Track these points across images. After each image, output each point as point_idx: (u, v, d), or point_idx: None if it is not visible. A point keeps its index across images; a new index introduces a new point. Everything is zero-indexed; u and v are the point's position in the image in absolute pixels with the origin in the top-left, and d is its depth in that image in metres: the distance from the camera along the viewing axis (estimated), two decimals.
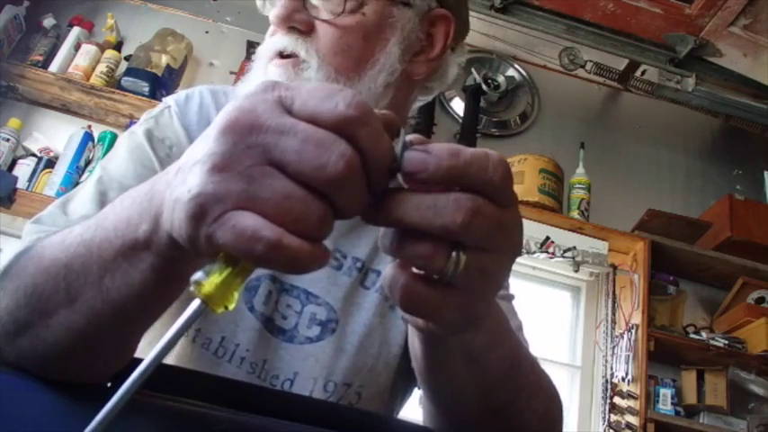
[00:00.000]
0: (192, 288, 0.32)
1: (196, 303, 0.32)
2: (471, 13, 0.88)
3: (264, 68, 0.72)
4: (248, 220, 0.30)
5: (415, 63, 0.75)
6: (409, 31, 0.73)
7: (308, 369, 0.70)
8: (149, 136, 0.72)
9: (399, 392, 0.78)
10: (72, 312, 0.42)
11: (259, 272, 0.71)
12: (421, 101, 0.83)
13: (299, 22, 0.70)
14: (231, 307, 0.32)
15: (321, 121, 0.31)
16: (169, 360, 0.69)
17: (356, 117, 0.31)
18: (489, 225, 0.34)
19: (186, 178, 0.32)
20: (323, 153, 0.30)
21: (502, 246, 0.36)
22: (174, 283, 0.41)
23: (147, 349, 0.73)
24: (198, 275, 0.32)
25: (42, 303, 0.43)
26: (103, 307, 0.41)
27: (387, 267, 0.37)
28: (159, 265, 0.38)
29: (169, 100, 0.77)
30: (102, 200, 0.65)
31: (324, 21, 0.70)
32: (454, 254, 0.34)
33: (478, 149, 0.34)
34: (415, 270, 0.36)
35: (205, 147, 0.32)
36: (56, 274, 0.42)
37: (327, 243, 0.33)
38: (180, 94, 0.78)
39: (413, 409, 0.82)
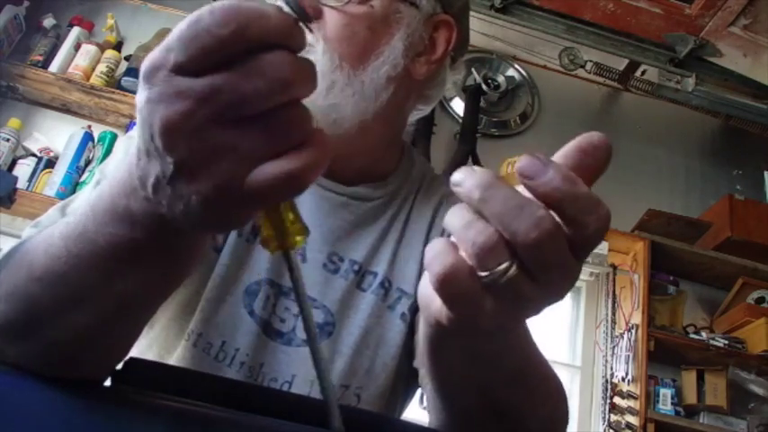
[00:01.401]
0: (270, 251, 0.35)
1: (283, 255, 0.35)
2: (471, 13, 0.89)
3: None
4: (269, 169, 0.32)
5: (417, 63, 0.76)
6: (413, 30, 0.74)
7: (305, 371, 0.70)
8: None
9: (401, 394, 0.78)
10: (79, 315, 0.42)
11: (260, 276, 0.71)
12: (420, 110, 0.84)
13: (308, 7, 0.70)
14: (307, 233, 0.35)
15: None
16: (170, 362, 0.69)
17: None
18: (553, 260, 0.33)
19: (176, 191, 0.33)
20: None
21: (552, 285, 0.35)
22: (180, 264, 0.41)
23: (147, 352, 0.73)
24: (264, 242, 0.34)
25: (41, 311, 0.43)
26: (112, 304, 0.41)
27: (437, 241, 0.36)
28: (164, 252, 0.39)
29: None
30: None
31: (331, 7, 0.71)
32: (507, 263, 0.33)
33: (594, 195, 0.34)
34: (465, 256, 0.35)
35: (157, 160, 0.33)
36: (49, 283, 0.42)
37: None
38: None
39: (413, 409, 0.83)
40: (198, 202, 0.32)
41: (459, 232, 0.34)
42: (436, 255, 0.35)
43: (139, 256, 0.39)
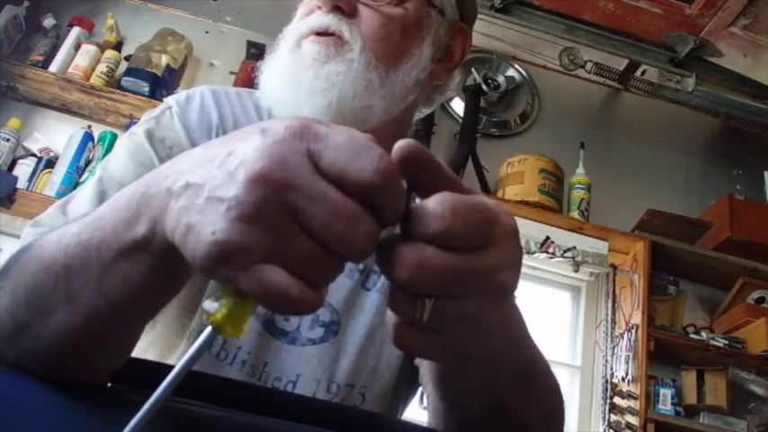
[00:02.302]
0: (204, 317, 0.33)
1: (208, 330, 0.33)
2: None
3: (294, 47, 0.72)
4: (276, 276, 0.31)
5: (438, 68, 0.78)
6: (440, 36, 0.76)
7: (310, 371, 0.70)
8: (150, 136, 0.71)
9: (403, 393, 0.78)
10: (71, 312, 0.42)
11: None
12: (422, 112, 0.85)
13: (346, 3, 0.71)
14: (241, 335, 0.34)
15: (348, 185, 0.32)
16: (170, 361, 0.69)
17: (382, 185, 0.32)
18: (441, 274, 0.34)
19: (205, 211, 0.32)
20: (350, 229, 0.32)
21: (477, 289, 0.36)
22: (173, 282, 0.41)
23: (148, 350, 0.73)
24: (210, 306, 0.33)
25: (42, 303, 0.43)
26: (104, 306, 0.41)
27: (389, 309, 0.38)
28: (158, 266, 0.38)
29: (170, 100, 0.76)
30: (102, 199, 0.65)
31: (369, 6, 0.72)
32: (419, 301, 0.35)
33: (436, 195, 0.35)
34: None
35: (230, 184, 0.32)
36: (55, 273, 0.42)
37: None
38: (181, 94, 0.77)
39: (413, 410, 0.83)
40: (210, 233, 0.32)
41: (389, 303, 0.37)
42: (387, 321, 0.38)
43: (131, 254, 0.38)
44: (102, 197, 0.66)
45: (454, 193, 0.35)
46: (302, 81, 0.69)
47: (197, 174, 0.34)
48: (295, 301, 0.32)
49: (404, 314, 0.36)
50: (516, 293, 0.79)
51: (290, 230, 0.32)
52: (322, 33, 0.70)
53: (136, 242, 0.38)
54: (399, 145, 0.35)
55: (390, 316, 0.37)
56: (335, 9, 0.71)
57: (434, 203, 0.34)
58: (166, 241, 0.36)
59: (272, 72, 0.73)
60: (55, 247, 0.43)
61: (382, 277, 0.75)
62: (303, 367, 0.70)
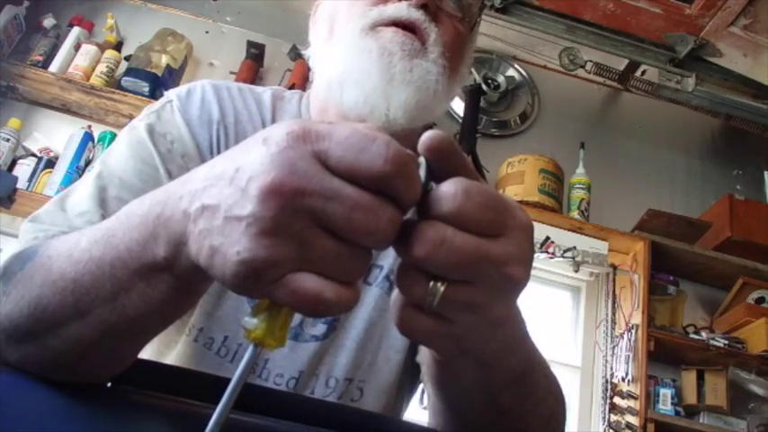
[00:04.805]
0: (244, 335, 0.34)
1: (251, 347, 0.34)
2: None
3: (369, 31, 0.70)
4: (308, 283, 0.32)
5: None
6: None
7: (312, 366, 0.70)
8: (150, 131, 0.70)
9: (405, 389, 0.78)
10: (82, 326, 0.42)
11: None
12: None
13: (438, 7, 0.72)
14: (284, 344, 0.35)
15: (360, 178, 0.32)
16: (170, 360, 0.69)
17: (394, 173, 0.32)
18: (459, 254, 0.34)
19: (226, 231, 0.32)
20: (372, 220, 0.32)
21: (488, 278, 0.35)
22: (192, 295, 0.42)
23: (147, 347, 0.73)
24: (249, 323, 0.34)
25: (48, 316, 0.43)
26: (118, 320, 0.41)
27: (395, 291, 0.38)
28: (181, 286, 0.39)
29: (170, 94, 0.75)
30: (102, 196, 0.64)
31: (450, 17, 0.74)
32: (431, 284, 0.35)
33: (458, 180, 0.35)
34: None
35: (244, 201, 0.32)
36: (63, 288, 0.42)
37: None
38: (182, 88, 0.76)
39: (413, 410, 0.83)
40: (235, 253, 0.32)
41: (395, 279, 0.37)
42: (392, 304, 0.38)
43: (151, 274, 0.38)
44: (102, 193, 0.64)
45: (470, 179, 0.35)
46: (396, 71, 0.68)
47: (210, 194, 0.34)
48: (332, 302, 0.32)
49: (413, 295, 0.35)
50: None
51: (312, 234, 0.32)
52: (404, 27, 0.69)
53: (156, 264, 0.38)
54: (427, 135, 0.35)
55: (396, 298, 0.37)
56: (425, 8, 0.70)
57: (448, 185, 0.35)
58: (191, 263, 0.36)
59: (344, 52, 0.70)
60: (64, 261, 0.43)
61: (383, 272, 0.75)
62: (306, 363, 0.70)
